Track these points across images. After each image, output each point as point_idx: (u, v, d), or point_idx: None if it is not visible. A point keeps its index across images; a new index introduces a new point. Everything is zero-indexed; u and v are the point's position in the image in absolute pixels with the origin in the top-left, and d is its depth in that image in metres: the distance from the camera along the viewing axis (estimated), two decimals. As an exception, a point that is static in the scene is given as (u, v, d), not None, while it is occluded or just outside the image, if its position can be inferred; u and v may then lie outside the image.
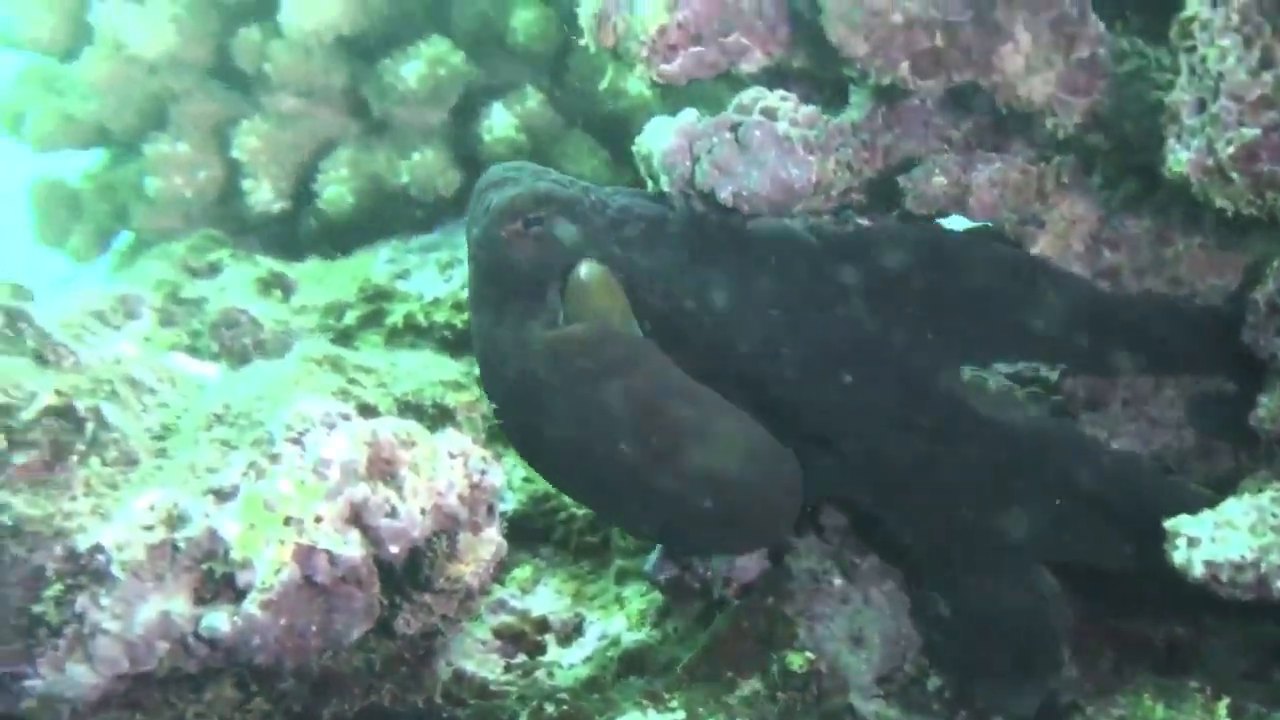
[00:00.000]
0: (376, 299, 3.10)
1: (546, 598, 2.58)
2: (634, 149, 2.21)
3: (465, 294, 2.65)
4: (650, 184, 2.22)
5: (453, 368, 2.04)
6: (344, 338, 2.97)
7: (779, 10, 1.99)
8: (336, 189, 3.50)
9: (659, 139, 2.08)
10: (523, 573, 2.63)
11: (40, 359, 1.92)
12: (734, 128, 1.98)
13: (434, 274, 3.30)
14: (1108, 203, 2.03)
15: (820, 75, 2.15)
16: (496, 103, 3.58)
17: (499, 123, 3.51)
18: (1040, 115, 1.92)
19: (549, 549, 2.71)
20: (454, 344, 2.90)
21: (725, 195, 1.97)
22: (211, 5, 3.60)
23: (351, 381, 1.94)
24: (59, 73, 4.02)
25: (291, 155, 3.61)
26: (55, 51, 3.80)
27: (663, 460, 1.96)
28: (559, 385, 1.98)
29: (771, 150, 1.95)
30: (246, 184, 3.60)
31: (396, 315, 3.04)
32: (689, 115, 2.04)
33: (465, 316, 2.90)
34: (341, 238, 3.55)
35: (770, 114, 2.01)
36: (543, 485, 2.70)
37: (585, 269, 2.01)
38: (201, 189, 3.65)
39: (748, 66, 2.00)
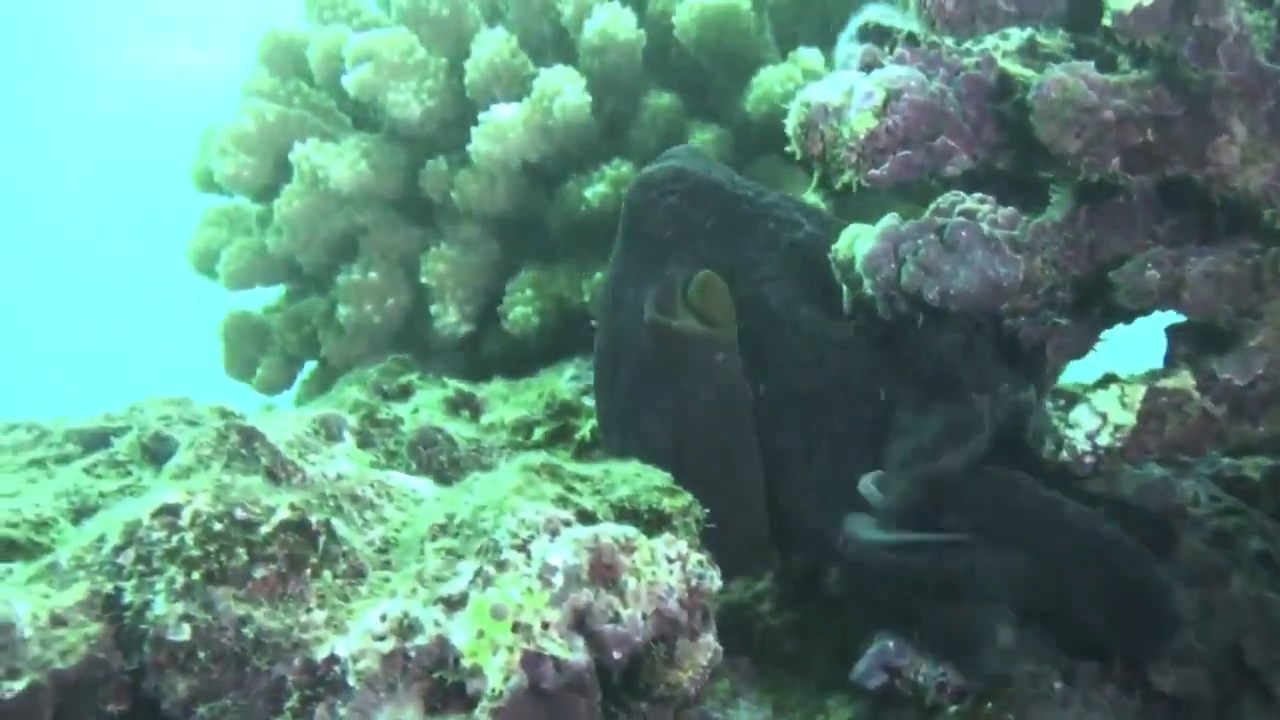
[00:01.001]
0: (563, 414, 3.14)
1: (748, 709, 2.55)
2: (830, 255, 2.24)
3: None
4: (846, 290, 2.24)
5: (662, 475, 2.06)
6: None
7: (982, 112, 2.01)
8: (522, 310, 3.58)
9: (860, 244, 2.10)
10: (720, 684, 2.61)
11: (272, 476, 1.99)
12: (938, 229, 2.00)
13: (618, 389, 3.32)
14: (1326, 294, 1.98)
15: (1016, 177, 2.15)
16: (675, 220, 3.64)
17: (677, 239, 3.56)
18: (1256, 207, 1.90)
19: (744, 659, 2.69)
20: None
21: (932, 295, 1.98)
22: (399, 139, 3.76)
23: (569, 489, 1.96)
24: (246, 212, 4.23)
25: (476, 279, 3.71)
26: (251, 191, 3.98)
27: (675, 459, 2.18)
28: (646, 359, 2.30)
29: (979, 249, 1.96)
30: (434, 309, 3.70)
31: (584, 430, 3.07)
32: (891, 219, 2.07)
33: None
34: (526, 358, 3.61)
35: (969, 216, 2.02)
36: (737, 595, 2.70)
37: (705, 275, 2.29)
38: (389, 316, 3.76)
39: (952, 169, 2.01)
